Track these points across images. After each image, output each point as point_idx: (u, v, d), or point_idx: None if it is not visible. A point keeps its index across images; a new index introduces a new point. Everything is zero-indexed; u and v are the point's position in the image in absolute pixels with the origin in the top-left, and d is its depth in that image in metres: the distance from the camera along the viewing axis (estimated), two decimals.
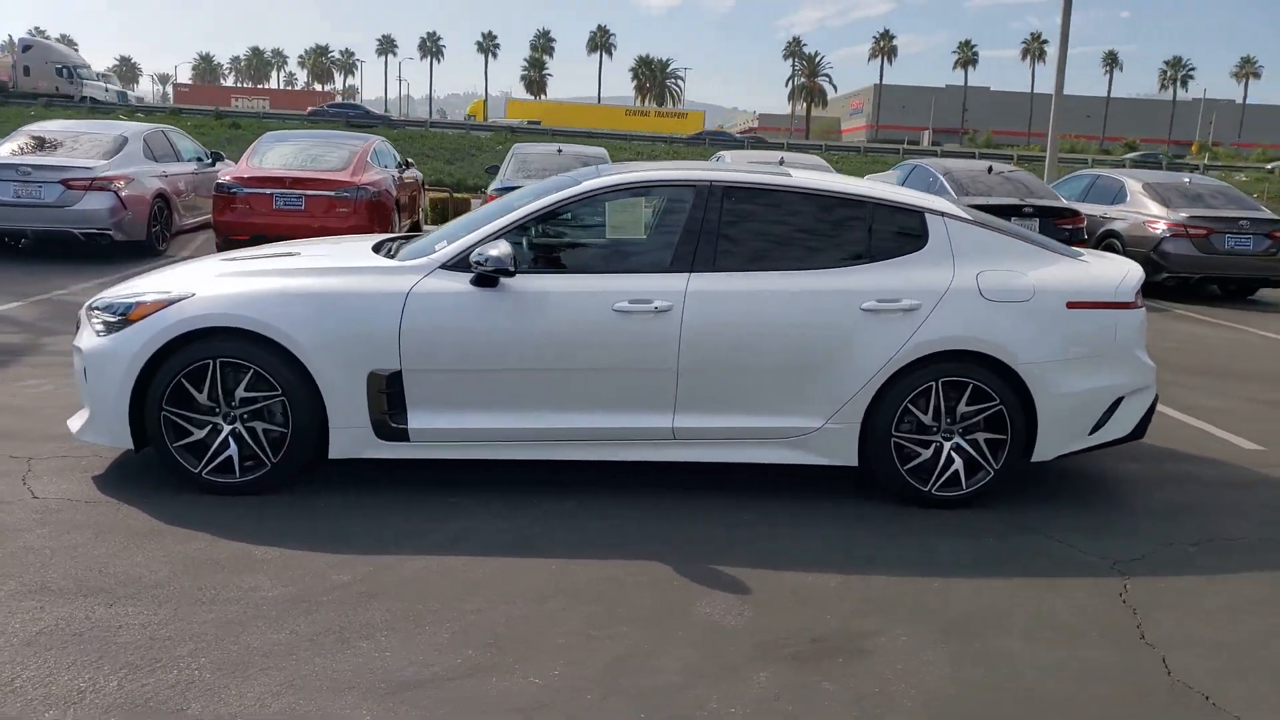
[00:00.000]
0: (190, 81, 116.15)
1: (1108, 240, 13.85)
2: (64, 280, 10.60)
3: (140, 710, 2.98)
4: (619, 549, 4.33)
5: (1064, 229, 12.36)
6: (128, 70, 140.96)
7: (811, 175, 5.32)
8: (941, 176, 13.50)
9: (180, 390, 4.65)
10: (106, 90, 58.90)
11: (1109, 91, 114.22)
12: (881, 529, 4.70)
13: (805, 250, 4.99)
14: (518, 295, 4.75)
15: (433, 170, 29.33)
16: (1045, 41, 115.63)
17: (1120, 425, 5.13)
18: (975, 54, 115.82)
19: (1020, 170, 14.59)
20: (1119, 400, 5.09)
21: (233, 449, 4.71)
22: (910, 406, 4.89)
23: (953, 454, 4.94)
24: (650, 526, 4.61)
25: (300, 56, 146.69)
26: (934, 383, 4.87)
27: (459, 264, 4.78)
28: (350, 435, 4.75)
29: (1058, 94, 22.39)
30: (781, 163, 13.06)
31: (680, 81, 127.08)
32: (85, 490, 4.72)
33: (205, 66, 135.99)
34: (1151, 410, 5.24)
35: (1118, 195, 14.50)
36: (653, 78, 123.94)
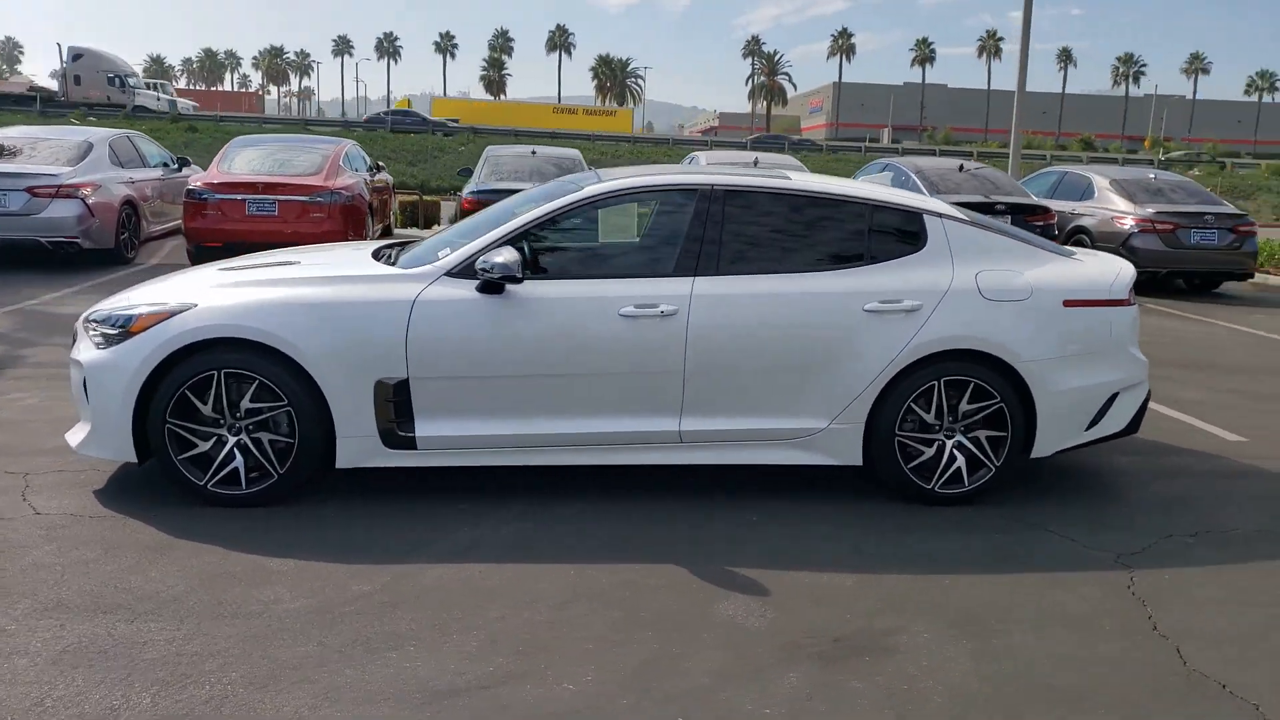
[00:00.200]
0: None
1: (1077, 236, 14.06)
2: (34, 290, 10.42)
3: None
4: (631, 553, 4.35)
5: (1035, 226, 12.53)
6: None
7: (811, 178, 5.37)
8: (914, 175, 13.65)
9: (184, 402, 4.61)
10: (158, 99, 57.60)
11: (1064, 88, 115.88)
12: (887, 527, 4.76)
13: (807, 252, 5.04)
14: (523, 301, 4.75)
15: (396, 173, 29.10)
16: (1001, 39, 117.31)
17: (1116, 420, 5.23)
18: (933, 52, 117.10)
19: (987, 167, 14.76)
20: (1114, 396, 5.18)
21: (238, 460, 4.67)
22: (913, 405, 4.95)
23: (955, 452, 5.00)
24: (658, 529, 4.63)
25: (254, 58, 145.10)
26: (936, 382, 4.93)
27: (464, 271, 4.78)
28: (357, 444, 4.73)
29: (1020, 91, 22.51)
30: (756, 163, 13.15)
31: (641, 81, 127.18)
32: (87, 505, 4.67)
33: (157, 68, 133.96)
34: (1145, 405, 5.34)
35: (1086, 192, 14.71)
36: (613, 77, 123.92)
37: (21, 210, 11.59)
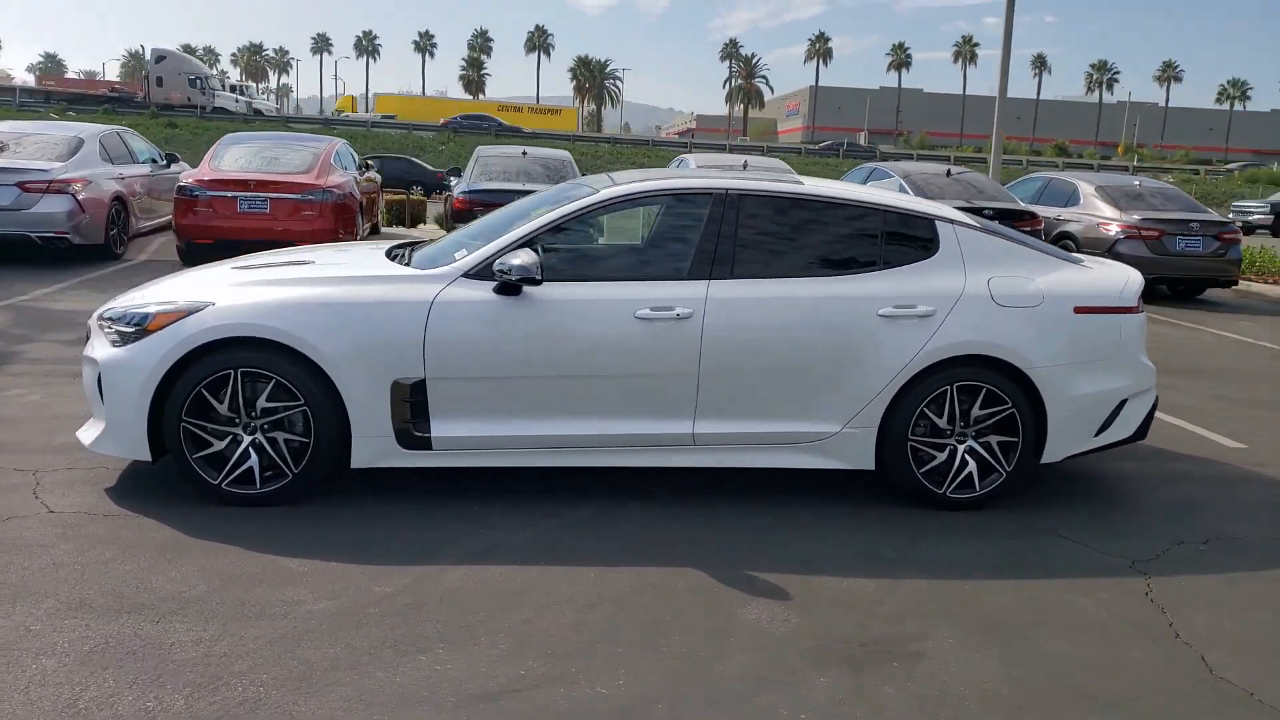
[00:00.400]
0: (119, 80, 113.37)
1: (1062, 242, 14.15)
2: (25, 285, 10.30)
3: None
4: (650, 556, 4.35)
5: (1022, 232, 12.59)
6: (53, 67, 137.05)
7: (825, 183, 5.40)
8: (902, 180, 13.71)
9: (200, 401, 4.58)
10: (237, 101, 57.18)
11: (1038, 94, 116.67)
12: (901, 531, 4.78)
13: (821, 257, 5.06)
14: (540, 303, 4.75)
15: None
16: (977, 45, 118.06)
17: (1124, 426, 5.28)
18: (909, 57, 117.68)
19: (972, 173, 14.86)
20: (1123, 402, 5.23)
21: (253, 460, 4.64)
22: (925, 410, 4.98)
23: (966, 457, 5.03)
24: (673, 531, 4.64)
25: (233, 54, 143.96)
26: (949, 387, 4.96)
27: (482, 272, 4.76)
28: (373, 445, 4.71)
29: (1002, 96, 22.65)
30: (745, 166, 13.19)
31: (619, 82, 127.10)
32: (100, 503, 4.62)
33: (135, 64, 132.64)
34: (1153, 412, 5.40)
35: (1071, 198, 14.84)
36: (591, 78, 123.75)
37: (12, 205, 11.45)
